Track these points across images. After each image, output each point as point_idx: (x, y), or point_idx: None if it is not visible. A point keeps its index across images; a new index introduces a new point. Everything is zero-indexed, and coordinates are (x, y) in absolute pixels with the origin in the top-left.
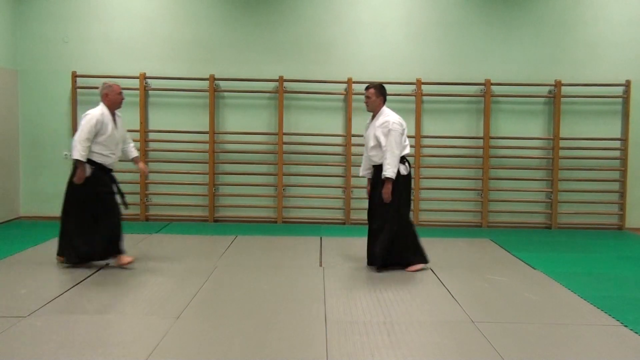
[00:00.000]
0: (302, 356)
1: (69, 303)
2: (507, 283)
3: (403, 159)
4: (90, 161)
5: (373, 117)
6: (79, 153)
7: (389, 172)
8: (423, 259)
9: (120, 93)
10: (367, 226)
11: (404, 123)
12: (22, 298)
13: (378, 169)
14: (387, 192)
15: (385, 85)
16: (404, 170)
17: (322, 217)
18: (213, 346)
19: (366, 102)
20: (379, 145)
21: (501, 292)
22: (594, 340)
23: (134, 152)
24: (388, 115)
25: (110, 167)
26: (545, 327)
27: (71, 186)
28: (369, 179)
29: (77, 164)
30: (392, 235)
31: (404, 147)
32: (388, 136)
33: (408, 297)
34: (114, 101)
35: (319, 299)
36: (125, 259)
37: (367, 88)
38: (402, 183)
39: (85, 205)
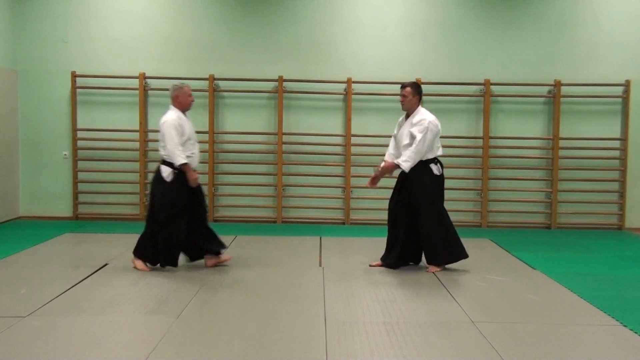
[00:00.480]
0: (302, 356)
1: (69, 303)
2: (507, 283)
3: (435, 160)
4: (171, 165)
5: (407, 116)
6: (181, 158)
7: (406, 164)
8: (446, 260)
9: (190, 95)
10: (367, 226)
11: (439, 125)
12: (21, 298)
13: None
14: (387, 168)
15: (384, 86)
16: (436, 171)
17: (322, 217)
18: (213, 346)
19: (402, 102)
20: (414, 143)
21: (501, 292)
22: (594, 340)
23: None
24: (425, 114)
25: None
26: (545, 327)
27: (158, 192)
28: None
29: (183, 168)
30: (441, 230)
31: (437, 149)
32: (424, 134)
33: (408, 297)
34: (184, 103)
35: (318, 299)
36: (223, 258)
37: (402, 87)
38: (436, 182)
39: (172, 209)
